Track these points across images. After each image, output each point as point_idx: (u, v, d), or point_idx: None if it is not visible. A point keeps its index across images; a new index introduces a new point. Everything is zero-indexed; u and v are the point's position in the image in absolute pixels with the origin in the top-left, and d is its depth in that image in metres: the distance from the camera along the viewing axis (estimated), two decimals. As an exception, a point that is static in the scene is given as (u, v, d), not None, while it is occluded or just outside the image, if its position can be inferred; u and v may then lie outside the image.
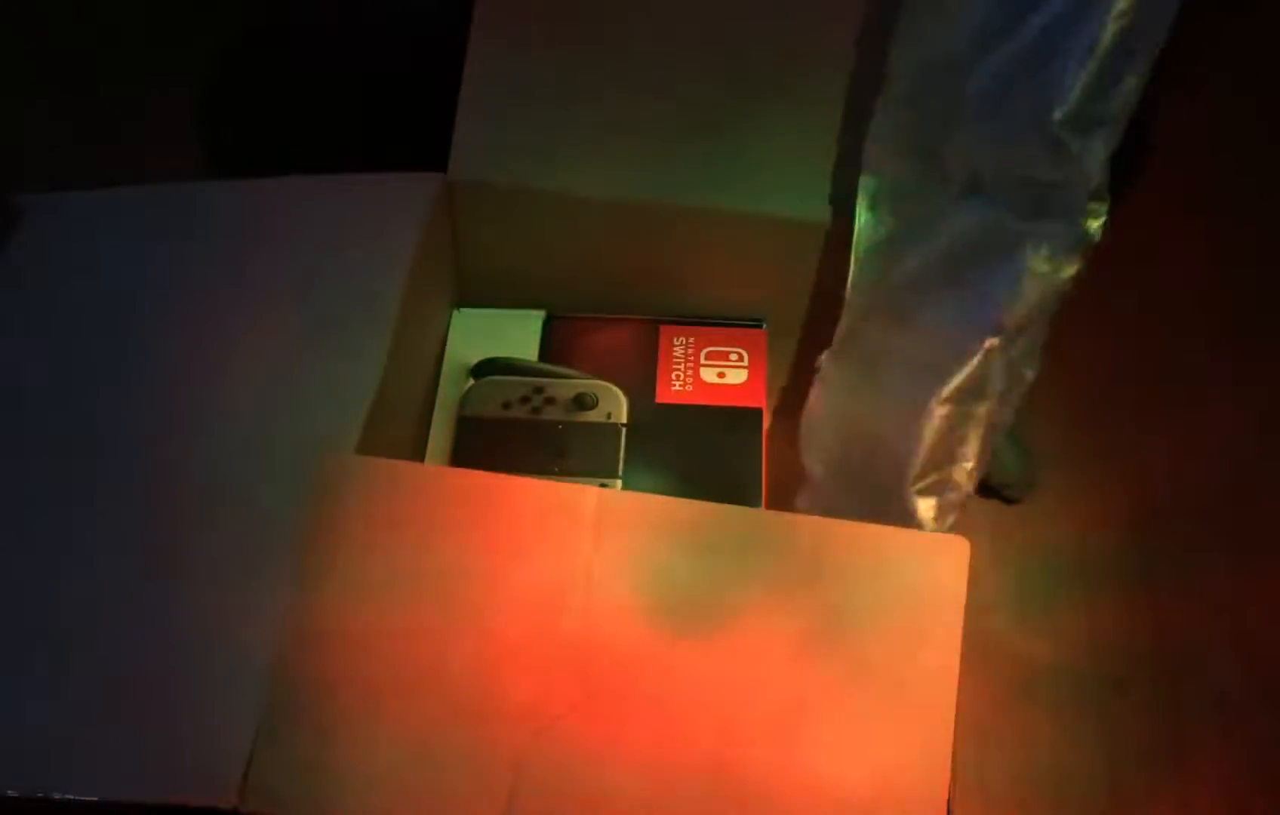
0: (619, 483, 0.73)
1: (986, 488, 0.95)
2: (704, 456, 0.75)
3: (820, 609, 0.54)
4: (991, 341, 0.66)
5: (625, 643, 0.55)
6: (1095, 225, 0.66)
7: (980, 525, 0.96)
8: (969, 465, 0.67)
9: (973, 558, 0.92)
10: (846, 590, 0.55)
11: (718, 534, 0.57)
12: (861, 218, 0.71)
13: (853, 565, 0.55)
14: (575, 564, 0.57)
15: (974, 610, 0.90)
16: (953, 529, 0.68)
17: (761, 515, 0.65)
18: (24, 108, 1.26)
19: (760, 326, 0.80)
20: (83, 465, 0.63)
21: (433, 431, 0.77)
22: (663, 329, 0.80)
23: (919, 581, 0.55)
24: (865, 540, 0.56)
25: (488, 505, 0.59)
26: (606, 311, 0.81)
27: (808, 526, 0.57)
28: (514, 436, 0.75)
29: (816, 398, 0.73)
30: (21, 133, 1.23)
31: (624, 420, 0.76)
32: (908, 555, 0.56)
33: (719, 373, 0.78)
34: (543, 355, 0.79)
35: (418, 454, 0.75)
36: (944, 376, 0.66)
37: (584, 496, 0.58)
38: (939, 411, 0.66)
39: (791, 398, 0.83)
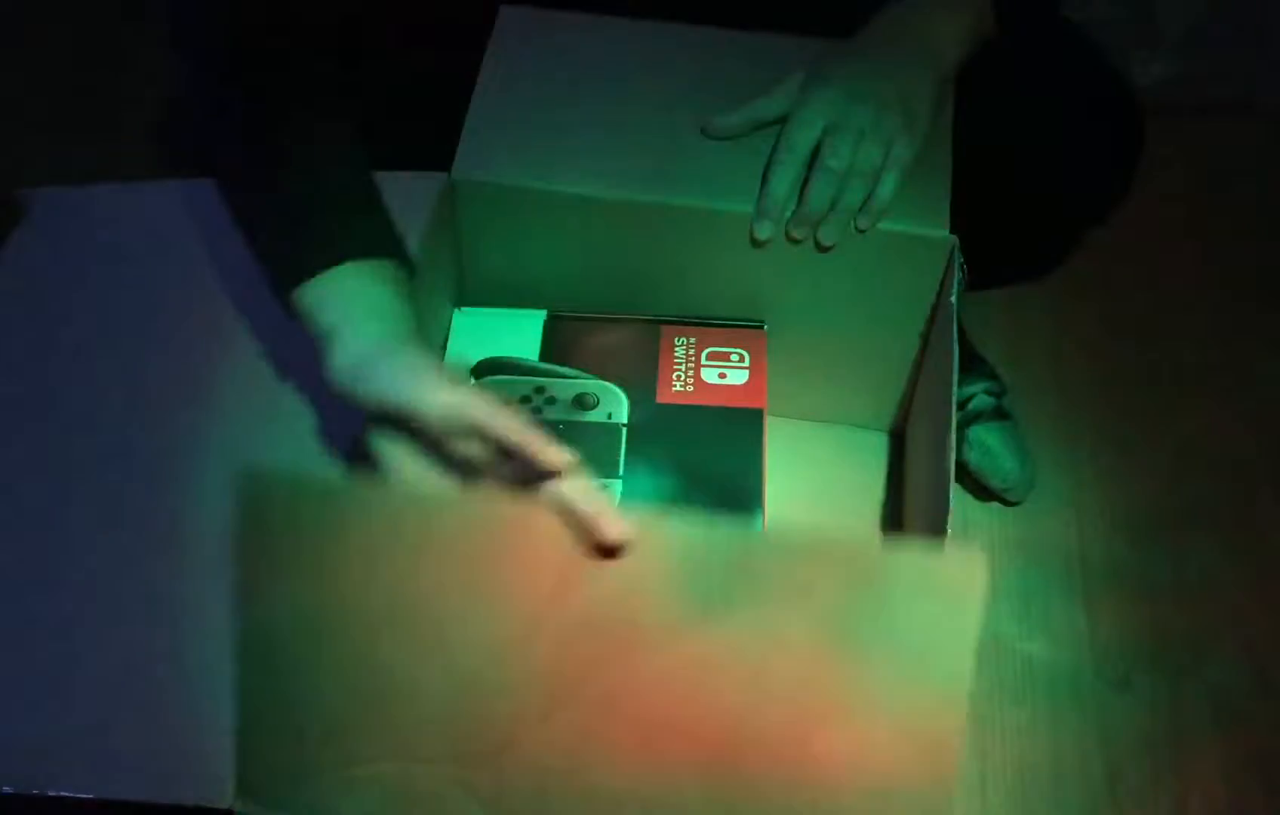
0: (619, 483, 0.73)
1: (987, 491, 0.96)
2: (705, 456, 0.74)
3: (832, 622, 0.52)
4: None
5: (632, 628, 0.53)
6: None
7: (980, 525, 0.96)
8: None
9: (972, 557, 0.93)
10: (860, 605, 0.52)
11: (728, 552, 0.54)
12: None
13: (868, 580, 0.53)
14: (579, 566, 0.54)
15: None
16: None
17: (772, 533, 0.64)
18: (24, 107, 1.26)
19: (761, 327, 0.80)
20: (83, 464, 0.63)
21: (433, 431, 0.76)
22: (664, 329, 0.80)
23: (934, 598, 0.52)
24: (882, 557, 0.55)
25: (493, 525, 0.55)
26: (607, 311, 0.80)
27: (820, 542, 0.53)
28: (515, 436, 0.75)
29: None
30: (21, 132, 1.23)
31: (625, 420, 0.76)
32: (924, 571, 0.53)
33: (720, 373, 0.78)
34: (543, 355, 0.79)
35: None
36: None
37: None
38: None
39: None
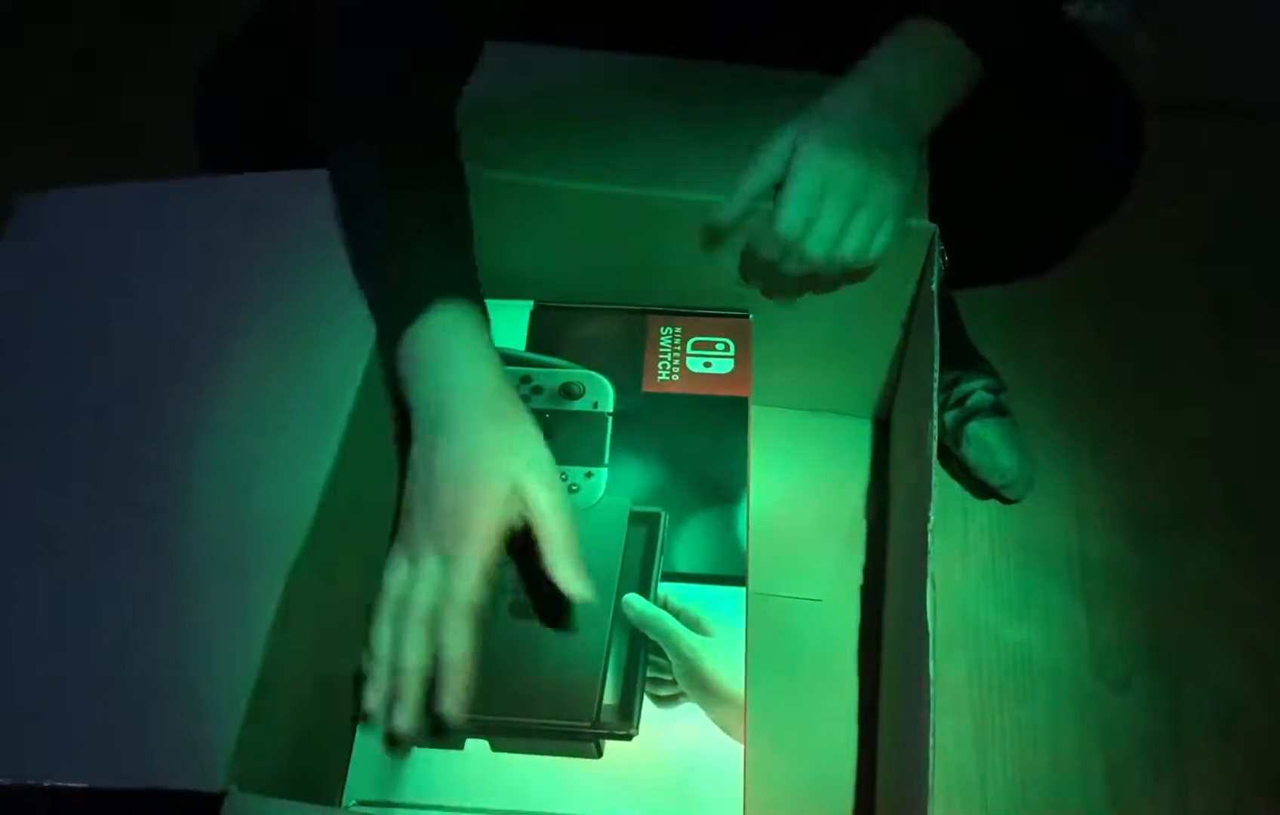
0: (605, 472, 0.73)
1: (986, 488, 0.95)
2: (690, 445, 0.74)
3: None
4: None
5: None
6: None
7: (980, 525, 0.96)
8: None
9: (972, 557, 0.93)
10: None
11: None
12: None
13: None
14: None
15: (974, 610, 0.90)
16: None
17: None
18: (24, 107, 1.28)
19: (746, 316, 0.80)
20: (80, 461, 0.63)
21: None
22: (650, 319, 0.80)
23: None
24: None
25: None
26: (593, 301, 0.81)
27: None
28: (501, 425, 0.75)
29: None
30: (21, 132, 1.24)
31: (610, 409, 0.76)
32: None
33: (705, 362, 0.78)
34: (530, 345, 0.79)
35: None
36: None
37: None
38: None
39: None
